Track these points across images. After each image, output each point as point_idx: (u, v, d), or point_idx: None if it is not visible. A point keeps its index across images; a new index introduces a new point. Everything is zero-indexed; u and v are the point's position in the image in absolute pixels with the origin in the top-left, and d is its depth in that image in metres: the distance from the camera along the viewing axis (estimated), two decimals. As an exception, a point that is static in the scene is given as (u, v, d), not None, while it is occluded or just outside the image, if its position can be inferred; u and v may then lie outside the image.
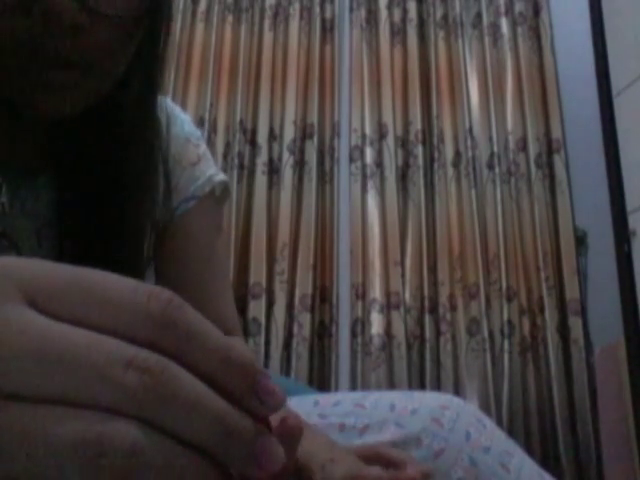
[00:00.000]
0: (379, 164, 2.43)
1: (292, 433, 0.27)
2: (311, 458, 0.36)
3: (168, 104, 0.70)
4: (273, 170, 2.42)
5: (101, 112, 0.53)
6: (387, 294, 2.28)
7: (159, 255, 0.64)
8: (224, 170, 2.38)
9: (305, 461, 0.36)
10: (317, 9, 2.61)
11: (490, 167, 2.43)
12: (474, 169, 2.41)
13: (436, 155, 2.43)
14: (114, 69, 0.49)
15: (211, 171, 0.69)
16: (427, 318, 2.25)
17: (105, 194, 0.54)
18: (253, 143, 2.45)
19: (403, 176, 2.44)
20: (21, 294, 0.22)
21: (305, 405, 0.56)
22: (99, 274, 0.23)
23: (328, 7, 2.63)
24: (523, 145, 2.46)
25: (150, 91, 0.56)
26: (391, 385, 2.15)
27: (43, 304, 0.22)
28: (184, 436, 0.21)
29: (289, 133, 2.44)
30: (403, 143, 2.48)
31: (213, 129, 2.44)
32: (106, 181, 0.54)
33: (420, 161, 2.42)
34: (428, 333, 2.23)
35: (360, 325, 2.26)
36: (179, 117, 0.69)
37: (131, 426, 0.21)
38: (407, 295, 2.28)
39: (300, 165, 2.43)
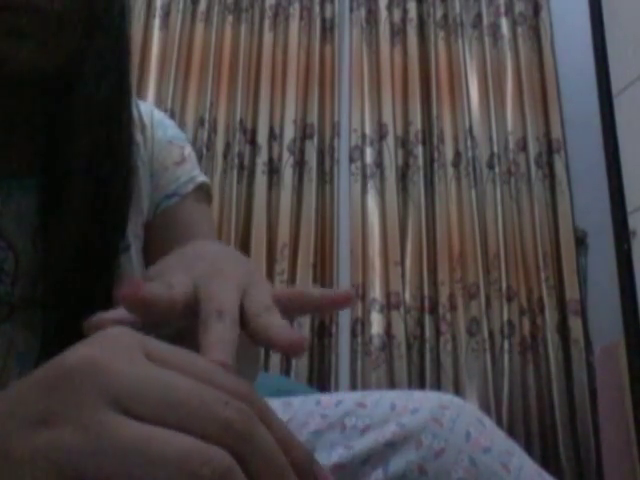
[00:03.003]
0: (379, 164, 2.43)
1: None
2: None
3: (152, 110, 0.71)
4: (273, 170, 2.42)
5: (70, 97, 0.53)
6: (387, 294, 2.28)
7: (146, 253, 0.64)
8: (224, 170, 2.39)
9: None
10: (317, 9, 2.61)
11: (490, 167, 2.43)
12: (474, 169, 2.41)
13: (436, 155, 2.43)
14: (68, 16, 0.48)
15: (195, 172, 0.70)
16: (427, 318, 2.25)
17: (75, 188, 0.53)
18: (253, 143, 2.45)
19: (403, 176, 2.44)
20: (115, 403, 0.25)
21: (307, 405, 0.56)
22: (186, 384, 0.27)
23: (328, 7, 2.63)
24: (523, 145, 2.46)
25: (119, 68, 0.56)
26: (391, 385, 2.15)
27: (135, 411, 0.25)
28: (253, 475, 0.26)
29: (289, 133, 2.44)
30: (403, 143, 2.48)
31: (213, 129, 2.44)
32: (75, 173, 0.53)
33: (420, 161, 2.42)
34: (428, 333, 2.23)
35: (360, 325, 2.26)
36: (162, 122, 0.70)
37: (227, 454, 0.25)
38: (407, 295, 2.28)
39: (300, 165, 2.43)
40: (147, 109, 0.69)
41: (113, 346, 0.28)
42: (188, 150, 0.71)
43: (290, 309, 0.37)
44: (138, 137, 0.65)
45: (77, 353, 0.27)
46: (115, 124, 0.56)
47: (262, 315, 0.33)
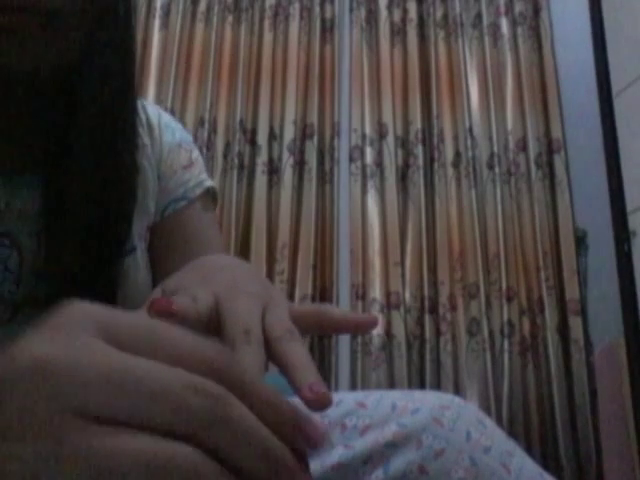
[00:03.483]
0: (379, 164, 2.43)
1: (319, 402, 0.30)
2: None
3: (159, 112, 0.71)
4: (273, 170, 2.42)
5: (79, 95, 0.53)
6: (387, 294, 2.28)
7: (152, 254, 0.64)
8: (224, 170, 2.39)
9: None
10: (317, 9, 2.61)
11: (490, 167, 2.43)
12: (474, 169, 2.41)
13: (436, 155, 2.43)
14: (77, 20, 0.48)
15: (202, 176, 0.70)
16: (427, 318, 2.25)
17: (80, 186, 0.53)
18: (253, 143, 2.45)
19: (403, 176, 2.44)
20: (72, 406, 0.24)
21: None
22: (151, 372, 0.25)
23: (328, 7, 2.63)
24: (523, 145, 2.46)
25: (124, 68, 0.55)
26: (391, 385, 2.15)
27: (95, 412, 0.24)
28: (235, 460, 0.25)
29: (289, 133, 2.44)
30: (403, 143, 2.48)
31: (213, 129, 2.44)
32: (80, 173, 0.53)
33: (420, 161, 2.42)
34: (428, 333, 2.23)
35: (360, 325, 2.26)
36: (170, 125, 0.70)
37: (191, 450, 0.24)
38: (407, 295, 2.28)
39: (300, 165, 2.43)
40: (154, 111, 0.69)
41: (66, 335, 0.25)
42: (196, 153, 0.71)
43: (308, 328, 0.37)
44: (145, 139, 0.65)
45: (26, 353, 0.24)
46: (120, 123, 0.56)
47: (284, 341, 0.33)
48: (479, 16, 2.61)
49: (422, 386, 2.17)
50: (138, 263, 0.60)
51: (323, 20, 2.61)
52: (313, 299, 2.26)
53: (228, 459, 0.25)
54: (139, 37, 2.48)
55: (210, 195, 0.70)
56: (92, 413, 0.24)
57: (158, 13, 2.56)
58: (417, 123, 2.47)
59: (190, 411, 0.24)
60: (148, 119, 0.67)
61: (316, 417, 0.53)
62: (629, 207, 2.02)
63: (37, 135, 0.56)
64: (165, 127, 0.69)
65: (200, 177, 0.69)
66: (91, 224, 0.52)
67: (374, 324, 0.37)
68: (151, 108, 0.69)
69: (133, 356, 0.25)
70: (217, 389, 0.25)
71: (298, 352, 0.32)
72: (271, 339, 0.33)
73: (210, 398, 0.25)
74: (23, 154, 0.55)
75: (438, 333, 2.25)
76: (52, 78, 0.52)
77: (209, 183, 0.70)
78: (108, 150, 0.54)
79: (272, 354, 0.33)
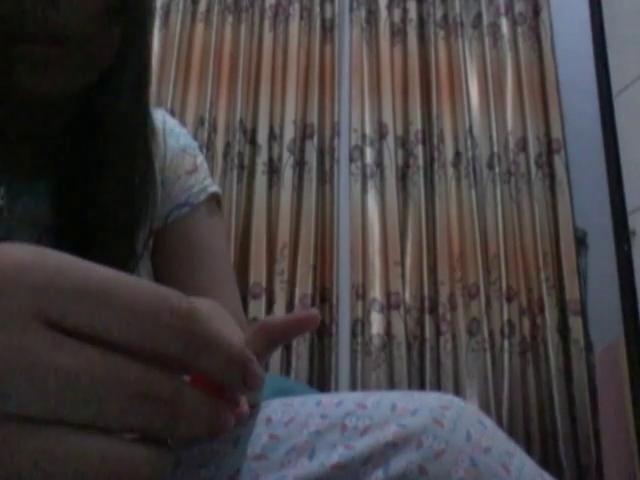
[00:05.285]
0: (379, 164, 2.43)
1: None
2: None
3: (164, 117, 0.70)
4: (273, 170, 2.42)
5: (94, 108, 0.53)
6: (387, 294, 2.28)
7: (155, 261, 0.64)
8: (224, 170, 2.39)
9: None
10: (317, 9, 2.61)
11: (490, 167, 2.43)
12: (474, 169, 2.41)
13: (436, 155, 2.43)
14: (98, 43, 0.48)
15: (207, 181, 0.70)
16: (427, 318, 2.25)
17: (99, 195, 0.54)
18: (253, 143, 2.45)
19: (403, 176, 2.44)
20: (36, 311, 0.21)
21: (308, 405, 0.56)
22: (119, 280, 0.23)
23: (328, 7, 2.63)
24: (523, 145, 2.46)
25: (141, 82, 0.55)
26: (391, 385, 2.15)
27: (60, 320, 0.22)
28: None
29: (289, 133, 2.44)
30: (403, 143, 2.48)
31: (213, 129, 2.44)
32: (100, 182, 0.54)
33: (420, 161, 2.42)
34: (428, 333, 2.23)
35: (360, 325, 2.26)
36: (174, 130, 0.70)
37: (141, 451, 0.23)
38: (407, 295, 2.28)
39: (300, 165, 2.43)
40: (159, 116, 0.69)
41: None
42: (200, 159, 0.71)
43: (261, 348, 0.37)
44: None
45: None
46: (137, 138, 0.56)
47: None
48: (479, 16, 2.61)
49: (422, 386, 2.17)
50: (139, 270, 0.59)
51: (323, 20, 2.61)
52: (313, 299, 2.26)
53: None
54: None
55: (215, 200, 0.70)
56: (61, 322, 0.22)
57: (158, 13, 2.56)
58: (417, 123, 2.47)
59: (141, 419, 0.23)
60: (152, 124, 0.67)
61: (317, 420, 0.53)
62: (629, 207, 2.01)
63: (44, 143, 0.56)
64: (169, 132, 0.69)
65: (204, 183, 0.69)
66: (94, 231, 0.52)
67: (315, 318, 0.37)
68: (155, 112, 0.69)
69: (76, 350, 0.22)
70: (187, 305, 0.24)
71: None
72: None
73: (185, 317, 0.24)
74: (29, 161, 0.55)
75: (438, 333, 2.25)
76: (68, 96, 0.52)
77: (213, 188, 0.69)
78: (122, 163, 0.54)
79: None
